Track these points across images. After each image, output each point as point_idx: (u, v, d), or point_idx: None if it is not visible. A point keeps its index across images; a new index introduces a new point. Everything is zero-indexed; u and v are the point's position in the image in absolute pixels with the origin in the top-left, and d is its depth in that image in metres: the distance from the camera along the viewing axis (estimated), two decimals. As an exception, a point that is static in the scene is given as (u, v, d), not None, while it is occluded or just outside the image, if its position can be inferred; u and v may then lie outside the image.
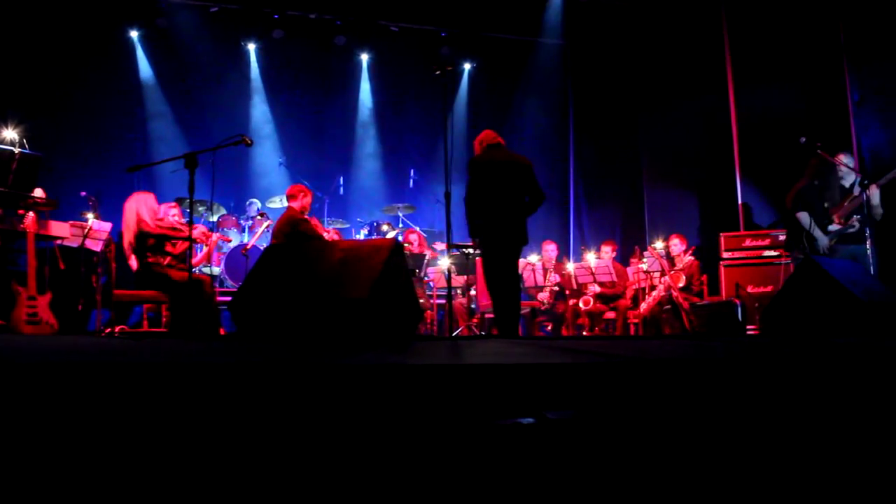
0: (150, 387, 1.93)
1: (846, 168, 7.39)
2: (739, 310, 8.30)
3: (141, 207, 6.96)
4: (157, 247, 6.97)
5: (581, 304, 9.51)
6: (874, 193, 7.12)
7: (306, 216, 7.78)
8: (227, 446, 1.70)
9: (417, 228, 10.99)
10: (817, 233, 7.32)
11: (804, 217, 7.38)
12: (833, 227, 7.32)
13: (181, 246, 7.11)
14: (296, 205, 7.68)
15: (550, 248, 9.92)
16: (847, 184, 7.42)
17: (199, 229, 7.47)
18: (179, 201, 8.53)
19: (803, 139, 7.37)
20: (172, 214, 7.38)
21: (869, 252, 7.19)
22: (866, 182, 7.09)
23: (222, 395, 1.93)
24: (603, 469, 1.93)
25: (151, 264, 6.89)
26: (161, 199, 7.67)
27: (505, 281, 6.59)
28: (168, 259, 7.01)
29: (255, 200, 11.07)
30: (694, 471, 1.99)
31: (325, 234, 7.98)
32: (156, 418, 1.82)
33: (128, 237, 6.98)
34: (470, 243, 8.25)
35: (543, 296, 9.56)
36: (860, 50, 9.33)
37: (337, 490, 1.72)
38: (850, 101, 9.34)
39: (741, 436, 2.09)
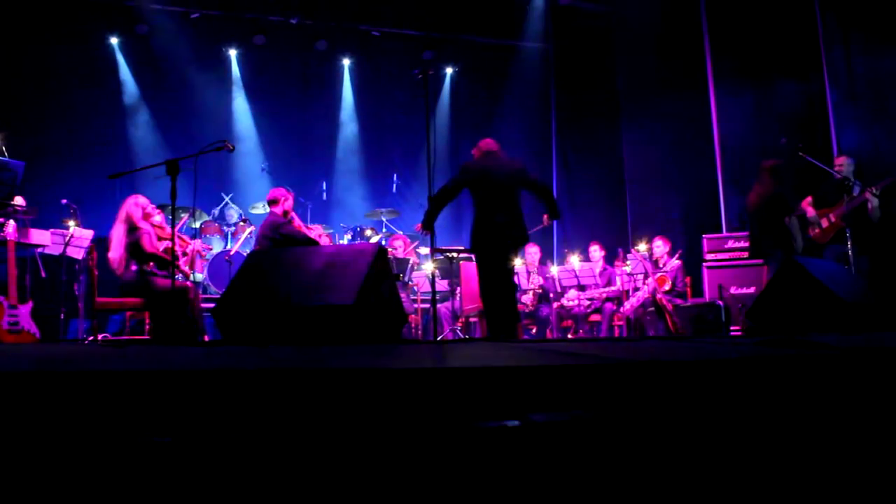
0: (134, 394, 1.92)
1: (842, 172, 7.53)
2: (723, 311, 8.33)
3: (135, 212, 6.85)
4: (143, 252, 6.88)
5: (565, 302, 9.54)
6: (872, 197, 7.24)
7: (289, 218, 7.75)
8: (211, 451, 1.69)
9: (401, 232, 11.00)
10: (798, 235, 7.44)
11: (795, 222, 7.50)
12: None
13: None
14: (278, 209, 7.63)
15: (533, 251, 9.93)
16: (842, 183, 7.53)
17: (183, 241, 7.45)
18: (162, 208, 8.47)
19: (784, 140, 7.46)
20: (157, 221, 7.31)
21: (850, 253, 7.26)
22: (874, 190, 7.23)
23: (207, 401, 1.92)
24: (589, 471, 1.93)
25: (148, 271, 6.81)
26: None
27: (501, 284, 6.62)
28: (152, 265, 6.92)
29: (234, 206, 11.02)
30: (683, 472, 2.00)
31: (310, 233, 7.92)
32: (139, 425, 1.81)
33: (119, 246, 6.84)
34: (455, 247, 8.26)
35: (527, 299, 9.57)
36: (839, 51, 9.40)
37: (323, 492, 1.71)
38: (830, 102, 9.41)
39: (726, 436, 2.10)
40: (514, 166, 6.75)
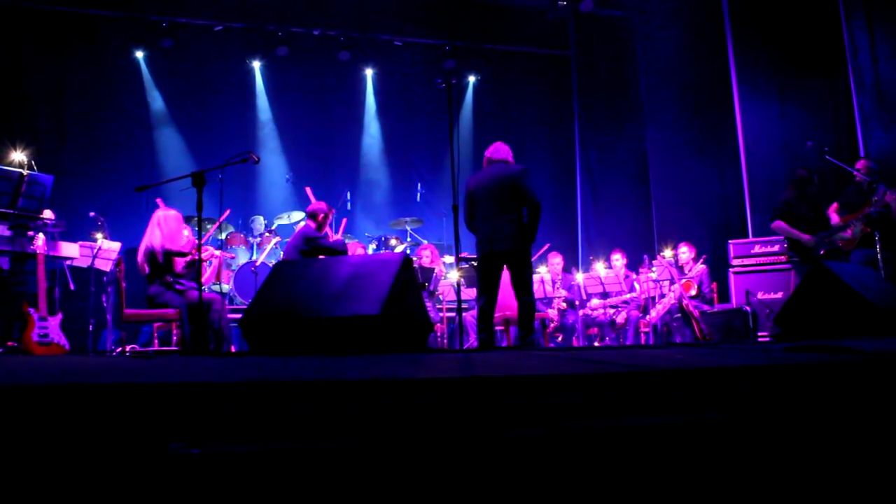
0: (164, 405, 1.93)
1: (862, 175, 7.50)
2: (750, 317, 8.26)
3: (154, 232, 6.93)
4: (167, 265, 6.94)
5: (589, 311, 9.52)
6: (893, 199, 7.20)
7: (324, 233, 7.74)
8: (239, 462, 1.70)
9: (426, 241, 11.00)
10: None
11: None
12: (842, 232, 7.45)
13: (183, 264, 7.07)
14: (314, 223, 7.64)
15: (556, 261, 9.89)
16: (865, 187, 7.51)
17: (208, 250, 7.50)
18: (187, 220, 8.53)
19: (809, 143, 7.41)
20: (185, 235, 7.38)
21: (878, 256, 7.20)
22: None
23: (236, 412, 1.93)
24: (619, 479, 1.92)
25: (168, 283, 6.87)
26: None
27: (516, 288, 6.48)
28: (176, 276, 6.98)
29: (257, 217, 11.07)
30: (710, 481, 1.98)
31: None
32: (168, 437, 1.82)
33: (140, 253, 6.95)
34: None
35: (553, 310, 9.53)
36: (865, 54, 9.31)
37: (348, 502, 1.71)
38: (856, 105, 9.32)
39: (756, 445, 2.08)
40: (508, 173, 6.40)
